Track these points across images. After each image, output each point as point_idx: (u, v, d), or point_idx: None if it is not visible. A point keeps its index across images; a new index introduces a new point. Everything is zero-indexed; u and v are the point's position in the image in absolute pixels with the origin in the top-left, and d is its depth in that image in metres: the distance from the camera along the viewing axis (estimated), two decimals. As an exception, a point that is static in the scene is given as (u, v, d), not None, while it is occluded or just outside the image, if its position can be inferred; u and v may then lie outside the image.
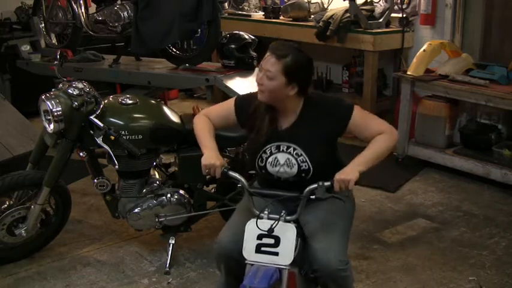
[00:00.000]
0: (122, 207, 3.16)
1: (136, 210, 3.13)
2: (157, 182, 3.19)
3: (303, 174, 2.30)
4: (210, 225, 3.68)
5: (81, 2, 4.93)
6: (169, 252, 3.19)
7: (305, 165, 2.29)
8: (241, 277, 2.23)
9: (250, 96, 2.43)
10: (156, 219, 3.15)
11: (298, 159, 2.29)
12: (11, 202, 3.18)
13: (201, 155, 3.14)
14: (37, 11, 5.35)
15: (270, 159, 2.32)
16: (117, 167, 2.99)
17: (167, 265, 3.17)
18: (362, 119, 2.32)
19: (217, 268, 2.46)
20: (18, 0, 6.38)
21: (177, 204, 3.16)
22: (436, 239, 3.56)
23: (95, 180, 3.08)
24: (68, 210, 3.34)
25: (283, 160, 2.31)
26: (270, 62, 2.21)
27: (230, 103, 2.47)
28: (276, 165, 2.32)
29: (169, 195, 3.16)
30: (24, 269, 3.20)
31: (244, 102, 2.44)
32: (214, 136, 2.41)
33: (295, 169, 2.30)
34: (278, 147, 2.32)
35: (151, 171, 3.23)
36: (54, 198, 3.24)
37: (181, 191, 3.20)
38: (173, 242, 3.21)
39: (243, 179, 2.26)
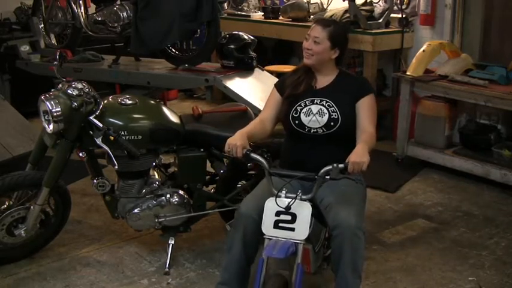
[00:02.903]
0: (121, 208, 3.16)
1: (135, 210, 3.13)
2: (157, 183, 3.18)
3: (332, 123, 2.62)
4: (209, 226, 3.68)
5: (81, 2, 4.93)
6: (169, 253, 3.19)
7: (335, 115, 2.62)
8: (251, 254, 2.55)
9: (286, 76, 2.86)
10: (156, 220, 3.14)
11: (329, 109, 2.64)
12: (11, 202, 3.18)
13: (201, 155, 3.19)
14: (36, 11, 5.35)
15: (304, 110, 2.67)
16: (116, 167, 2.98)
17: (167, 265, 3.16)
18: (369, 107, 2.66)
19: (228, 247, 2.57)
20: (18, 1, 6.38)
21: (176, 205, 3.16)
22: (435, 239, 3.56)
23: (95, 181, 3.08)
24: (67, 211, 3.34)
25: (316, 110, 2.65)
26: (317, 30, 2.66)
27: (272, 91, 2.84)
28: (309, 115, 2.65)
29: (168, 196, 3.15)
30: (23, 270, 3.19)
31: (282, 80, 2.86)
32: (254, 130, 2.66)
33: (325, 118, 2.63)
34: (312, 101, 2.69)
35: (151, 172, 3.23)
36: (53, 199, 3.23)
37: (181, 192, 3.20)
38: (173, 242, 3.20)
39: (264, 161, 2.46)
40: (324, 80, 2.74)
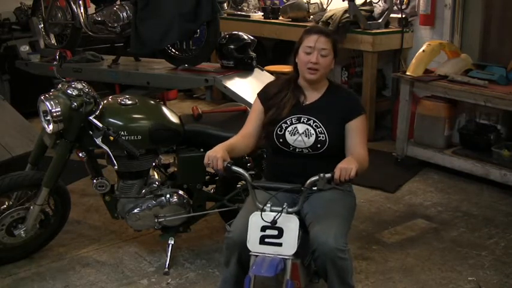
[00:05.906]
0: (121, 208, 3.17)
1: (135, 210, 3.13)
2: (157, 183, 3.18)
3: (319, 145, 2.47)
4: (209, 226, 3.68)
5: (80, 2, 4.92)
6: (169, 253, 3.19)
7: (322, 136, 2.46)
8: (248, 268, 2.32)
9: (269, 85, 2.71)
10: (156, 220, 3.15)
11: (317, 130, 2.47)
12: (10, 203, 3.18)
13: (201, 155, 3.18)
14: (36, 11, 5.34)
15: (289, 128, 2.50)
16: (116, 167, 2.98)
17: (166, 265, 3.17)
18: (360, 130, 2.52)
19: (225, 263, 2.47)
20: (17, 1, 6.38)
21: (176, 205, 3.16)
22: (435, 239, 3.56)
23: (94, 181, 3.08)
24: (67, 211, 3.34)
25: (302, 130, 2.49)
26: (323, 41, 2.46)
27: (254, 102, 2.67)
28: (294, 134, 2.49)
29: (168, 196, 3.16)
30: (23, 270, 3.20)
31: (265, 91, 2.66)
32: (235, 144, 2.50)
33: (312, 139, 2.47)
34: (299, 119, 2.51)
35: (151, 172, 3.23)
36: (53, 199, 3.24)
37: (181, 192, 3.20)
38: (172, 242, 3.21)
39: (246, 173, 2.34)
40: (312, 95, 2.57)
